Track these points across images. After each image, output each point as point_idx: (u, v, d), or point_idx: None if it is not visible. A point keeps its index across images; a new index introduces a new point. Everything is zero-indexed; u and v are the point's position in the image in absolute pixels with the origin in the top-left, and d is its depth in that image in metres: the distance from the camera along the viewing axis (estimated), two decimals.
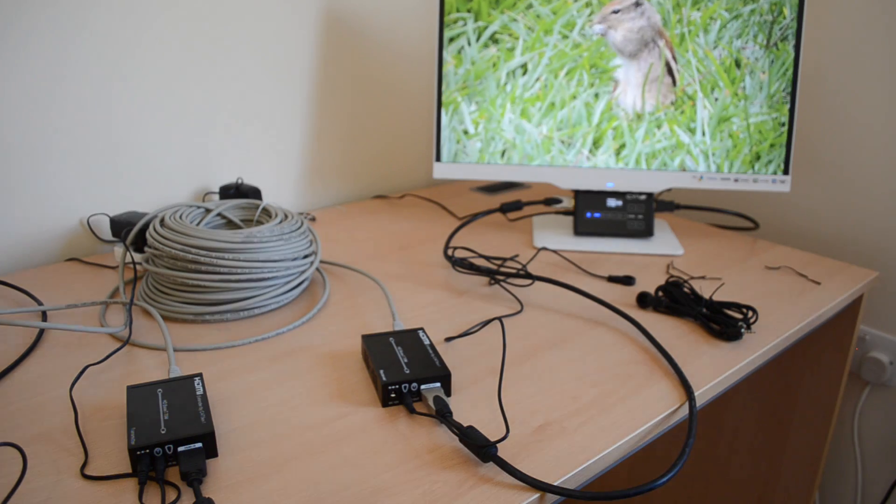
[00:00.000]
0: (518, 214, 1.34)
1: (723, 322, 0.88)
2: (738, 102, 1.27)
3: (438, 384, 0.70)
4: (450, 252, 1.13)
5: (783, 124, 1.28)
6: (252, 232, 0.89)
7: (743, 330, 0.86)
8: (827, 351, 1.20)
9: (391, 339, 0.77)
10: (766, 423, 1.31)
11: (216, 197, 1.27)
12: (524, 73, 1.28)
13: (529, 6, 1.27)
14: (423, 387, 0.70)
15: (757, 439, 1.33)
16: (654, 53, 1.27)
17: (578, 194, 1.27)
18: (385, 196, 1.49)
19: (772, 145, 1.27)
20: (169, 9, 1.16)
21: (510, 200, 1.30)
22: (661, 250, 1.23)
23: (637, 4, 1.26)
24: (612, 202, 1.26)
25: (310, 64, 1.36)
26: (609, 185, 1.26)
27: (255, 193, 1.23)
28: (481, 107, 1.29)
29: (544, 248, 1.21)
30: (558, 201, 1.30)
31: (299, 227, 0.96)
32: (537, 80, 1.28)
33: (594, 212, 1.27)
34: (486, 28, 1.28)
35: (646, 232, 1.25)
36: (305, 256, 0.96)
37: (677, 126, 1.28)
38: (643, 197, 1.26)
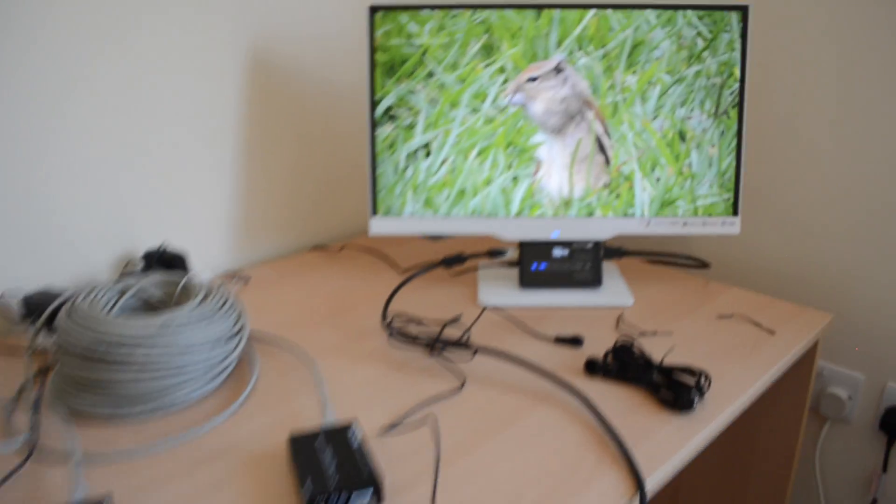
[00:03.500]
0: (462, 268, 1.16)
1: (675, 390, 0.82)
2: (684, 182, 1.06)
3: (370, 491, 0.65)
4: (388, 319, 0.99)
5: (734, 203, 1.07)
6: (169, 317, 0.83)
7: (696, 398, 0.81)
8: (785, 393, 1.10)
9: (319, 440, 0.72)
10: (726, 469, 1.20)
11: (143, 263, 1.08)
12: (427, 154, 1.06)
13: (431, 74, 1.04)
14: (353, 495, 0.64)
15: (718, 484, 1.23)
16: (583, 127, 1.05)
17: (523, 245, 1.09)
18: (324, 247, 1.32)
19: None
20: (81, 62, 0.97)
21: (452, 254, 1.14)
22: (611, 301, 1.07)
23: (558, 70, 1.04)
24: (558, 252, 1.09)
25: (236, 113, 1.17)
26: (554, 235, 1.07)
27: (179, 260, 1.06)
28: (379, 196, 1.07)
29: (488, 308, 1.04)
30: (502, 253, 1.12)
31: (223, 305, 0.89)
32: (443, 162, 1.06)
33: (540, 262, 1.09)
34: (379, 101, 1.05)
35: (594, 282, 1.09)
36: (231, 337, 0.88)
37: (612, 213, 1.07)
38: (590, 245, 1.08)
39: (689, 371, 0.85)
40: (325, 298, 1.10)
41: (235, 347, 0.88)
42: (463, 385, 0.84)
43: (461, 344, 0.89)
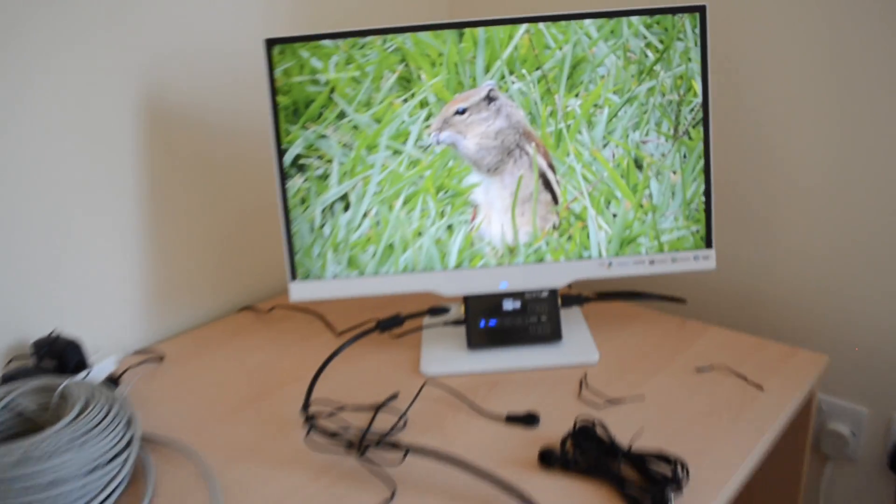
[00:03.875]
0: (403, 329, 1.00)
1: (647, 484, 0.70)
2: (645, 216, 0.92)
3: None
4: (308, 409, 0.82)
5: (706, 235, 0.93)
6: (32, 444, 0.70)
7: (671, 496, 0.68)
8: (782, 435, 0.97)
9: None
10: None
11: (33, 355, 0.94)
12: (346, 207, 0.91)
13: (342, 115, 0.89)
14: None
15: None
16: (523, 163, 0.91)
17: (468, 300, 0.95)
18: (253, 307, 1.16)
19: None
20: None
21: (388, 316, 0.99)
22: (573, 358, 0.93)
23: (490, 99, 0.89)
24: (508, 305, 0.95)
25: (133, 172, 1.02)
26: (502, 286, 0.92)
27: (73, 349, 0.91)
28: (297, 258, 0.92)
29: (432, 378, 0.90)
30: (445, 310, 0.98)
31: (106, 416, 0.75)
32: (365, 215, 0.91)
33: (489, 318, 0.95)
34: (286, 150, 0.90)
35: (552, 336, 0.95)
36: (115, 458, 0.74)
37: (565, 257, 0.92)
38: (545, 294, 0.94)
39: (664, 458, 0.72)
40: (247, 376, 0.95)
41: (120, 469, 0.74)
42: (393, 496, 0.70)
43: (389, 444, 0.74)
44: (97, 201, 1.00)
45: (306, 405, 0.81)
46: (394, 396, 0.86)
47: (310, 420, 0.78)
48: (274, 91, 0.89)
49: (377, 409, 0.82)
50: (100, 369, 0.95)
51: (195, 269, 1.13)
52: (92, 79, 0.96)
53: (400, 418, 0.81)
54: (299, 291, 0.94)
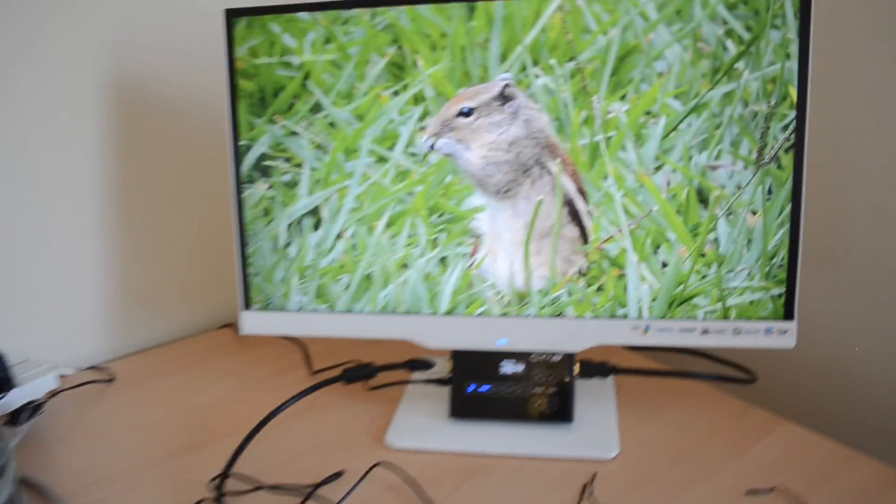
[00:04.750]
0: (378, 382, 0.79)
1: None
2: (707, 269, 0.67)
3: None
4: (221, 485, 0.64)
5: (788, 301, 0.67)
6: None
7: None
8: None
9: None
10: None
11: None
12: (316, 225, 0.72)
13: (317, 109, 0.70)
14: None
15: None
16: (544, 185, 0.68)
17: (457, 357, 0.75)
18: (234, 325, 1.00)
19: None
20: None
21: (355, 363, 0.79)
22: (581, 450, 0.70)
23: (504, 98, 0.67)
24: (508, 367, 0.74)
25: (98, 164, 0.89)
26: (500, 343, 0.71)
27: None
28: (253, 283, 0.75)
29: (383, 463, 0.65)
30: (428, 365, 0.78)
31: None
32: (339, 237, 0.72)
33: (481, 383, 0.74)
34: (247, 150, 0.72)
35: (561, 415, 0.72)
36: None
37: (592, 314, 0.69)
38: (557, 359, 0.72)
39: None
40: (191, 415, 0.79)
41: None
42: None
43: None
44: (52, 197, 0.87)
45: (223, 476, 0.63)
46: (336, 476, 0.66)
47: (219, 494, 0.60)
48: (233, 73, 0.71)
49: (307, 496, 0.63)
50: (36, 386, 0.81)
51: (168, 278, 0.98)
52: (50, 65, 0.82)
53: None
54: (254, 324, 0.75)
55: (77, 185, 0.88)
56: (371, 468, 0.66)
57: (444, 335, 0.72)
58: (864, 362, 0.83)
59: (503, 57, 0.68)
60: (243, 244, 0.74)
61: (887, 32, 0.75)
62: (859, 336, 0.83)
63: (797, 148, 0.65)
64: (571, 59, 0.67)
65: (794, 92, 0.65)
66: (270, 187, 0.73)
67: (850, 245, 0.82)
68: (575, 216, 0.69)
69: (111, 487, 0.67)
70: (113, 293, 0.93)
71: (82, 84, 0.86)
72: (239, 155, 0.73)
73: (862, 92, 0.78)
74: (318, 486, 0.64)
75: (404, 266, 0.72)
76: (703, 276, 0.68)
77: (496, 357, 0.73)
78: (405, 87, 0.70)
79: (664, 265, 0.68)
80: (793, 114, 0.65)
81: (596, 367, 0.73)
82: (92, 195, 0.89)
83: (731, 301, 0.68)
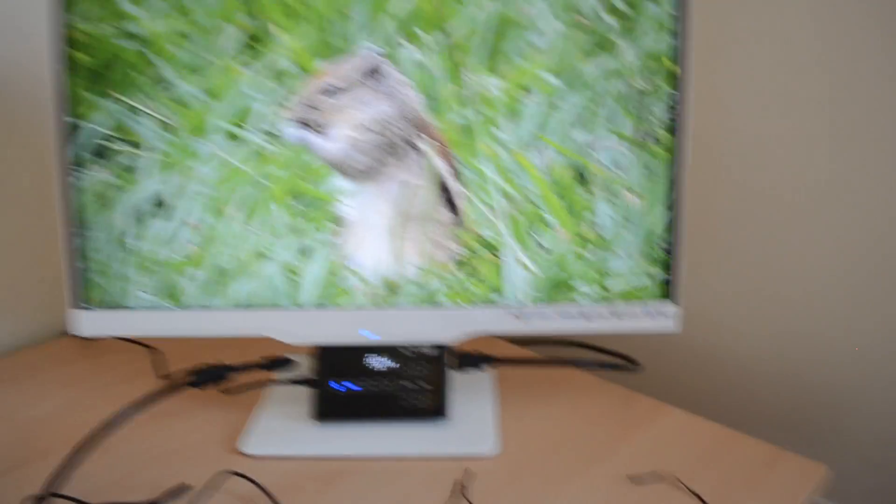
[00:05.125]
0: (234, 384, 0.68)
1: None
2: (586, 252, 0.62)
3: None
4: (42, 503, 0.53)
5: (669, 282, 0.63)
6: None
7: None
8: None
9: None
10: None
11: None
12: (160, 213, 0.63)
13: (161, 81, 0.62)
14: None
15: None
16: (412, 164, 0.62)
17: (320, 352, 0.68)
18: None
19: None
20: None
21: (204, 366, 0.68)
22: (457, 446, 0.64)
23: (372, 73, 0.61)
24: (375, 362, 0.67)
25: None
26: (367, 336, 0.65)
27: None
28: (90, 278, 0.65)
29: (223, 473, 0.58)
30: (288, 362, 0.70)
31: None
32: (185, 225, 0.63)
33: (346, 380, 0.67)
34: (77, 129, 0.63)
35: (434, 410, 0.66)
36: None
37: (465, 303, 0.63)
38: (429, 351, 0.67)
39: None
40: (16, 431, 0.69)
41: None
42: None
43: None
44: None
45: (40, 497, 0.53)
46: (180, 490, 0.57)
47: None
48: (68, 44, 0.62)
49: None
50: None
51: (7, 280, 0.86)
52: None
53: None
54: (90, 325, 0.66)
55: None
56: (214, 477, 0.57)
57: (305, 330, 0.65)
58: (746, 348, 0.81)
59: (368, 27, 0.63)
60: (73, 236, 0.65)
61: (770, 10, 0.73)
62: (742, 322, 0.80)
63: (678, 126, 0.63)
64: (441, 30, 0.62)
65: (674, 69, 0.62)
66: (108, 171, 0.64)
67: (733, 229, 0.79)
68: (447, 198, 0.64)
69: None
70: None
71: None
72: (67, 134, 0.64)
73: (744, 69, 0.76)
74: (157, 501, 0.55)
75: (261, 256, 0.64)
76: (584, 259, 0.64)
77: (363, 352, 0.67)
78: (261, 58, 0.63)
79: (542, 248, 0.64)
80: (673, 91, 0.62)
81: (471, 358, 0.68)
82: None
83: (611, 284, 0.64)
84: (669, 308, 0.64)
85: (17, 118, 0.85)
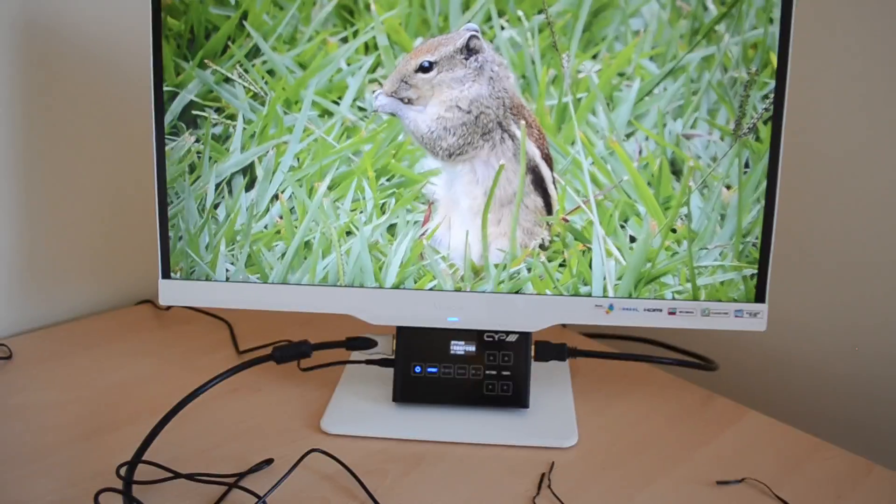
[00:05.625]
0: (313, 362, 0.70)
1: None
2: (677, 246, 0.62)
3: None
4: (139, 467, 0.55)
5: (760, 283, 0.62)
6: None
7: None
8: None
9: None
10: None
11: None
12: (250, 185, 0.63)
13: (255, 53, 0.62)
14: None
15: None
16: (506, 149, 0.62)
17: (401, 334, 0.67)
18: (153, 301, 0.89)
19: None
20: None
21: (290, 342, 0.68)
22: (538, 438, 0.64)
23: (470, 51, 0.60)
24: (458, 348, 0.67)
25: (1, 109, 0.74)
26: (452, 320, 0.64)
27: None
28: (176, 248, 0.66)
29: (315, 450, 0.59)
30: (369, 343, 0.69)
31: None
32: (275, 198, 0.63)
33: (428, 364, 0.67)
34: (173, 96, 0.63)
35: (516, 400, 0.66)
36: None
37: (552, 291, 0.63)
38: (513, 339, 0.66)
39: None
40: (98, 397, 0.70)
41: None
42: None
43: None
44: None
45: (131, 463, 0.54)
46: (264, 464, 0.58)
47: (125, 491, 0.52)
48: (158, 10, 0.62)
49: (230, 485, 0.55)
50: None
51: (79, 246, 0.88)
52: None
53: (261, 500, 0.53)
54: (174, 294, 0.67)
55: None
56: (304, 455, 0.58)
57: (388, 311, 0.65)
58: (828, 354, 0.79)
59: (466, 5, 0.62)
60: (164, 204, 0.65)
61: (873, 4, 0.71)
62: (824, 328, 0.79)
63: (776, 120, 0.61)
64: (540, 11, 0.61)
65: (775, 59, 0.60)
66: (198, 140, 0.65)
67: (821, 233, 0.78)
68: (539, 184, 0.63)
69: (3, 475, 0.57)
70: (13, 261, 0.82)
71: None
72: (162, 103, 0.64)
73: (843, 66, 0.74)
74: (243, 474, 0.57)
75: (348, 233, 0.64)
76: (673, 254, 0.63)
77: (446, 336, 0.67)
78: (355, 34, 0.62)
79: (632, 240, 0.63)
80: (773, 83, 0.61)
81: (554, 349, 0.67)
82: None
83: (701, 280, 0.63)
84: (758, 307, 0.63)
85: (112, 90, 0.85)
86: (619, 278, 0.63)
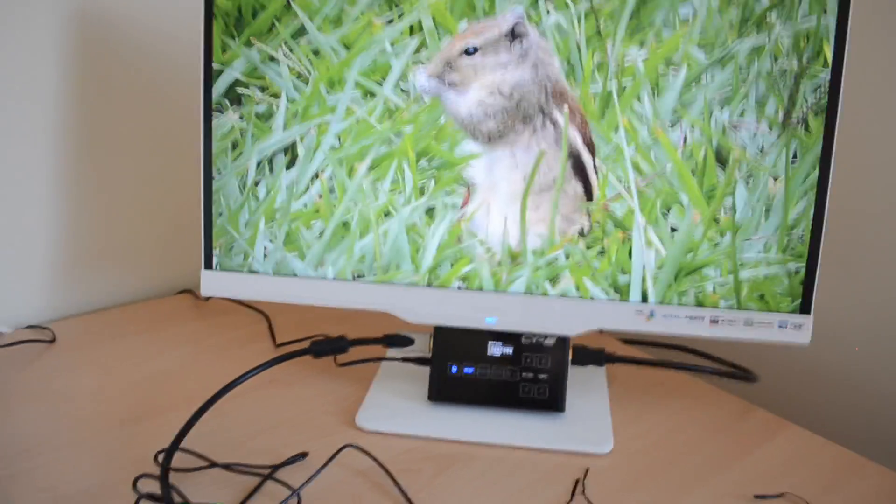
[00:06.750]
0: (349, 357, 0.71)
1: None
2: (719, 237, 0.60)
3: None
4: (164, 462, 0.54)
5: (806, 283, 0.60)
6: None
7: None
8: None
9: None
10: None
11: None
12: (291, 163, 0.64)
13: (300, 33, 0.62)
14: None
15: None
16: (547, 134, 0.61)
17: (438, 333, 0.67)
18: (193, 291, 0.91)
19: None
20: None
21: (328, 337, 0.69)
22: (573, 443, 0.63)
23: (514, 36, 0.60)
24: (495, 349, 0.66)
25: (59, 102, 0.80)
26: (490, 322, 0.64)
27: None
28: (216, 225, 0.66)
29: (351, 446, 0.59)
30: (407, 341, 0.69)
31: None
32: (316, 178, 0.64)
33: (464, 364, 0.67)
34: (219, 74, 0.64)
35: (552, 403, 0.65)
36: None
37: (590, 280, 0.62)
38: (550, 342, 0.65)
39: None
40: (138, 384, 0.71)
41: None
42: None
43: None
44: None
45: (170, 450, 0.55)
46: (299, 457, 0.58)
47: (163, 477, 0.52)
48: None
49: (265, 477, 0.55)
50: None
51: (124, 234, 0.89)
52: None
53: (294, 493, 0.53)
54: (216, 285, 0.68)
55: (27, 127, 0.79)
56: (339, 450, 0.58)
57: (427, 309, 0.65)
58: (872, 368, 0.76)
59: None
60: (210, 178, 0.66)
61: None
62: (872, 338, 0.76)
63: (829, 111, 0.59)
64: None
65: (828, 49, 0.59)
66: (241, 118, 0.65)
67: (871, 237, 0.75)
68: (580, 170, 0.62)
69: (41, 457, 0.58)
70: (59, 247, 0.84)
71: (37, 14, 0.76)
72: (211, 80, 0.64)
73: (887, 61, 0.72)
74: (277, 467, 0.57)
75: (386, 214, 0.64)
76: (716, 245, 0.62)
77: (483, 336, 0.66)
78: (401, 16, 0.63)
79: (673, 230, 0.62)
80: (826, 74, 0.59)
81: (591, 353, 0.66)
82: (44, 138, 0.80)
83: (744, 274, 0.62)
84: (801, 319, 0.61)
85: (160, 78, 0.86)
86: (660, 268, 0.62)
